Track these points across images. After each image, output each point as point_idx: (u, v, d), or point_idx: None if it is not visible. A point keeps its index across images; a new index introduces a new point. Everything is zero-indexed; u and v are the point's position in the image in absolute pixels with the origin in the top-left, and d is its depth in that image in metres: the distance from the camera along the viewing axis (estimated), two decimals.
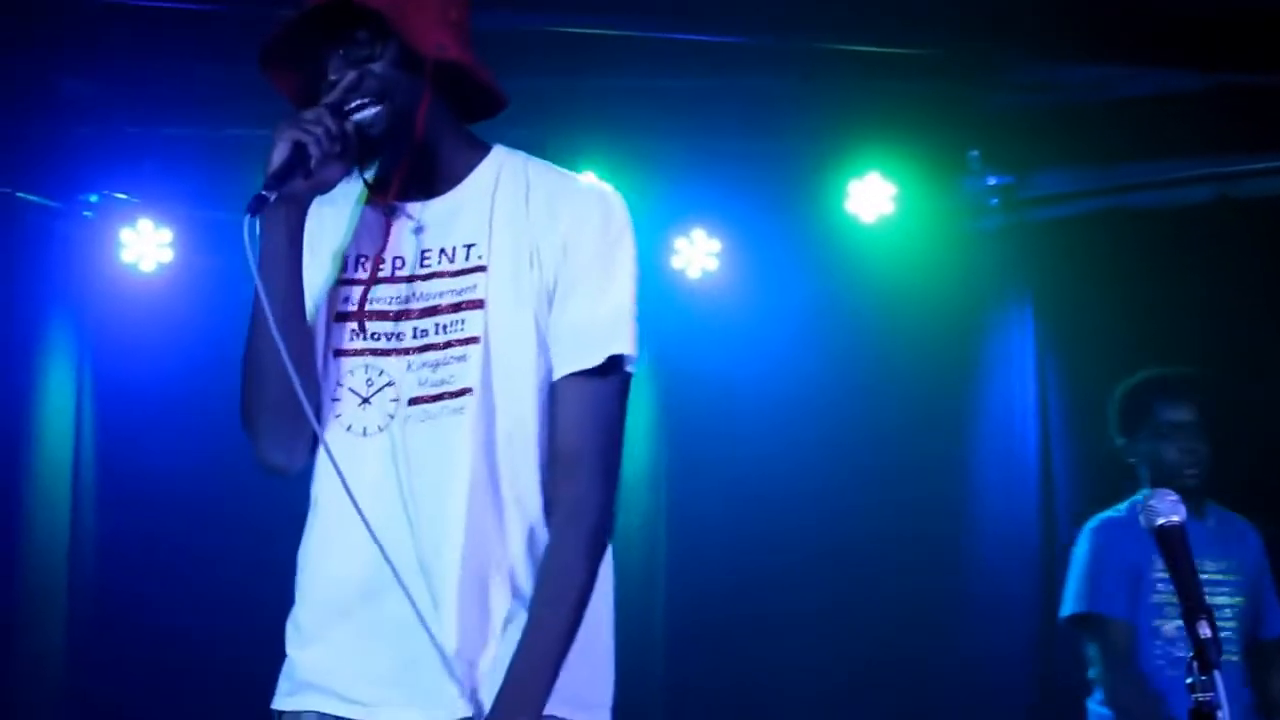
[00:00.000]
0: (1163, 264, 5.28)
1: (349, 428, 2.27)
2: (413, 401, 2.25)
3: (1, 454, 5.52)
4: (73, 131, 5.45)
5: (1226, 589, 4.25)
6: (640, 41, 5.05)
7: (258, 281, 2.17)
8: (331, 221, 2.36)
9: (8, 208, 5.56)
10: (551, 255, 2.27)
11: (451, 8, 2.29)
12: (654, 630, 5.64)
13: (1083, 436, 5.42)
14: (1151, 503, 2.53)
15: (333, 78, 2.26)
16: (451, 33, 2.27)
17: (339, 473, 2.21)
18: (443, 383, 2.24)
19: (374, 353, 2.28)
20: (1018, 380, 5.63)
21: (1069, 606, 4.29)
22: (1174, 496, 2.54)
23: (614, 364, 2.27)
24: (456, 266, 2.28)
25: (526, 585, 2.23)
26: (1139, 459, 4.38)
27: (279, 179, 2.16)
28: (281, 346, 2.14)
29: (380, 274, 2.30)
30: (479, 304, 2.25)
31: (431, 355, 2.25)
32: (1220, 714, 2.31)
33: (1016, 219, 5.61)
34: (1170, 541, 2.50)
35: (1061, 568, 4.45)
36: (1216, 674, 2.33)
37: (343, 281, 2.32)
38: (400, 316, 2.28)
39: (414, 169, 2.29)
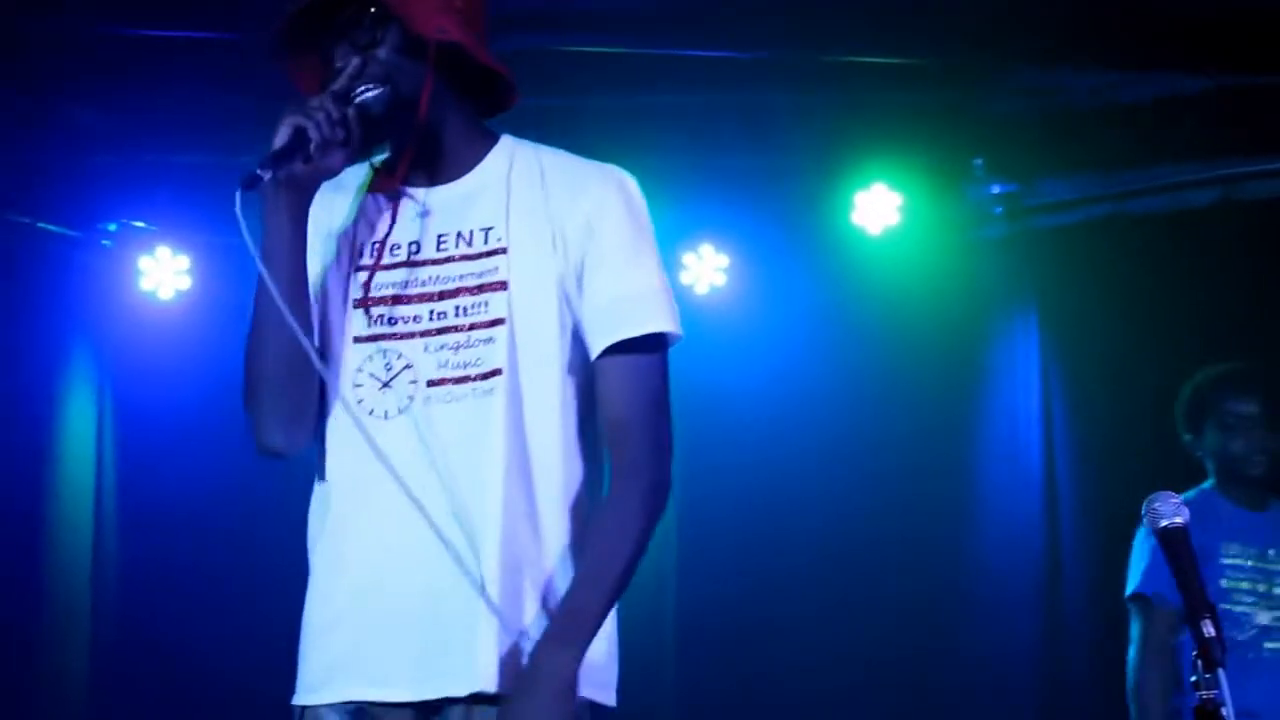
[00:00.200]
0: (1167, 269, 5.28)
1: (370, 412, 2.27)
2: (432, 383, 2.26)
3: (25, 479, 5.56)
4: (90, 161, 5.49)
5: None
6: (641, 59, 5.06)
7: (257, 259, 2.20)
8: (341, 208, 2.37)
9: (29, 238, 5.61)
10: (576, 236, 2.28)
11: None
12: (665, 633, 5.66)
13: (1086, 441, 5.45)
14: (1155, 505, 2.54)
15: (338, 65, 2.28)
16: (455, 18, 2.27)
17: (378, 453, 2.22)
18: (467, 365, 2.25)
19: (390, 337, 2.29)
20: (1022, 386, 5.64)
21: (1127, 587, 4.30)
22: (1177, 499, 2.54)
23: (654, 339, 2.29)
24: (475, 250, 2.29)
25: (554, 558, 2.24)
26: (1205, 453, 4.40)
27: (277, 159, 2.19)
28: (287, 313, 2.17)
29: (394, 259, 2.31)
30: (502, 286, 2.27)
31: (452, 337, 2.27)
32: (1225, 711, 2.33)
33: (1020, 227, 5.62)
34: (1173, 543, 2.51)
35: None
36: (1221, 672, 2.35)
37: (357, 268, 2.33)
38: (416, 300, 2.29)
39: (419, 154, 2.31)
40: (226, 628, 5.45)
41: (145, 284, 5.75)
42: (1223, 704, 2.33)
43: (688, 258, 5.77)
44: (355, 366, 2.30)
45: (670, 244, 5.69)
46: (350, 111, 2.24)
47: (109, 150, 5.45)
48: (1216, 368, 4.48)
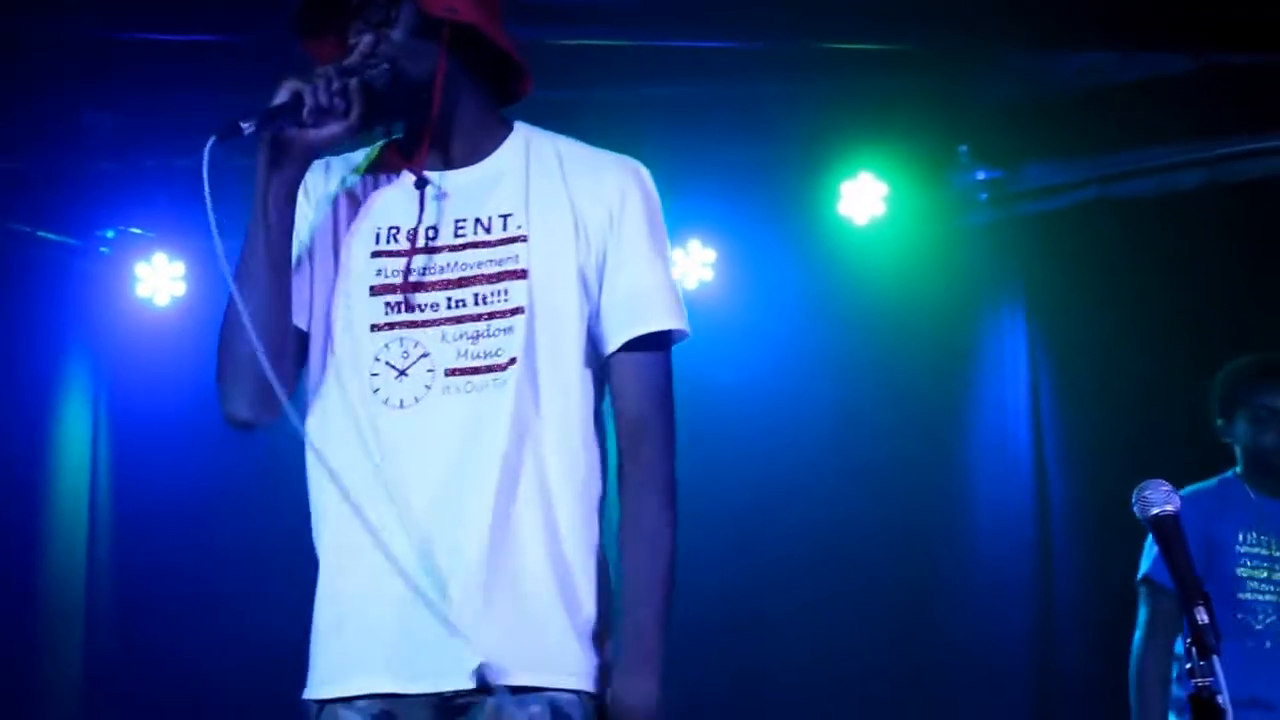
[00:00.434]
0: (1155, 252, 5.27)
1: (386, 401, 2.24)
2: (450, 372, 2.24)
3: (20, 485, 5.57)
4: (90, 167, 5.48)
5: None
6: (622, 50, 5.04)
7: (212, 226, 2.16)
8: (352, 187, 2.34)
9: (29, 247, 5.63)
10: (598, 226, 2.28)
11: None
12: None
13: (1075, 426, 5.45)
14: (1145, 493, 2.52)
15: (352, 42, 2.27)
16: (468, 0, 2.25)
17: (378, 450, 2.21)
18: (487, 354, 2.23)
19: (407, 325, 2.26)
20: (1010, 372, 5.65)
21: (1139, 570, 4.30)
22: (1167, 487, 2.53)
23: (665, 335, 2.29)
24: (494, 236, 2.27)
25: (551, 541, 2.23)
26: (1235, 441, 4.40)
27: (265, 116, 2.15)
28: (241, 301, 2.16)
29: (411, 244, 2.28)
30: (522, 274, 2.25)
31: (471, 326, 2.24)
32: (1220, 699, 2.32)
33: (1006, 213, 5.62)
34: (1164, 531, 2.50)
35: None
36: (1215, 659, 2.35)
37: (374, 253, 2.29)
38: (434, 287, 2.27)
39: (433, 137, 2.29)
40: (220, 633, 5.45)
41: (141, 290, 5.75)
42: (1218, 691, 2.32)
43: (675, 254, 5.75)
44: (372, 354, 2.26)
45: None
46: (353, 83, 2.20)
47: (107, 157, 5.44)
48: (1250, 358, 4.45)
